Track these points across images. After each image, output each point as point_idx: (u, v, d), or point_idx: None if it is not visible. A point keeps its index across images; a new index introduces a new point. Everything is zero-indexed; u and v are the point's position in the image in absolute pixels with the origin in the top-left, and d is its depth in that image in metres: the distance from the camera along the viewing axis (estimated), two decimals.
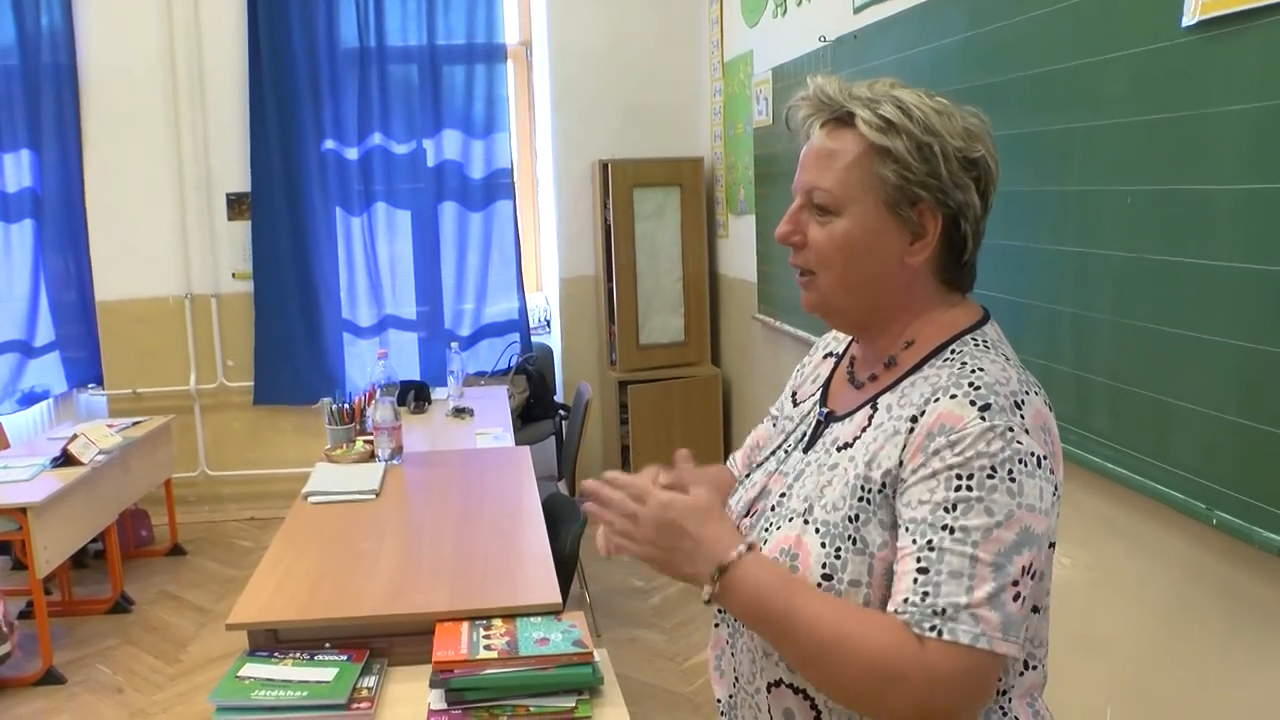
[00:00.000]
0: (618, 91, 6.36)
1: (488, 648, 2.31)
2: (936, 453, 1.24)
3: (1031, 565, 1.21)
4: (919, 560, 1.22)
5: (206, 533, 6.30)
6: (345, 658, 2.45)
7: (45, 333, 6.41)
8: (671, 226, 6.13)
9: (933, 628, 1.18)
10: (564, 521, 3.34)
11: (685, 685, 4.25)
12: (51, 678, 4.47)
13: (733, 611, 1.35)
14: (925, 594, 1.20)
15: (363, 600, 2.67)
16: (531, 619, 2.47)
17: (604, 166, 6.12)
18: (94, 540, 5.14)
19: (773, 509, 1.43)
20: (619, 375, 6.09)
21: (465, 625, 2.45)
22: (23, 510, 4.33)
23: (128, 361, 6.41)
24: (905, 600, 1.21)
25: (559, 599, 2.61)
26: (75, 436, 4.96)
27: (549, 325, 6.74)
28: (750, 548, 1.32)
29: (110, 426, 5.40)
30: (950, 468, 1.23)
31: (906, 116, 1.32)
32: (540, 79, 6.56)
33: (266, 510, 6.42)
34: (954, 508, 1.21)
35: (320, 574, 2.87)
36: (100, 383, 6.47)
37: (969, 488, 1.21)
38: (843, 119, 1.37)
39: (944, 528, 1.21)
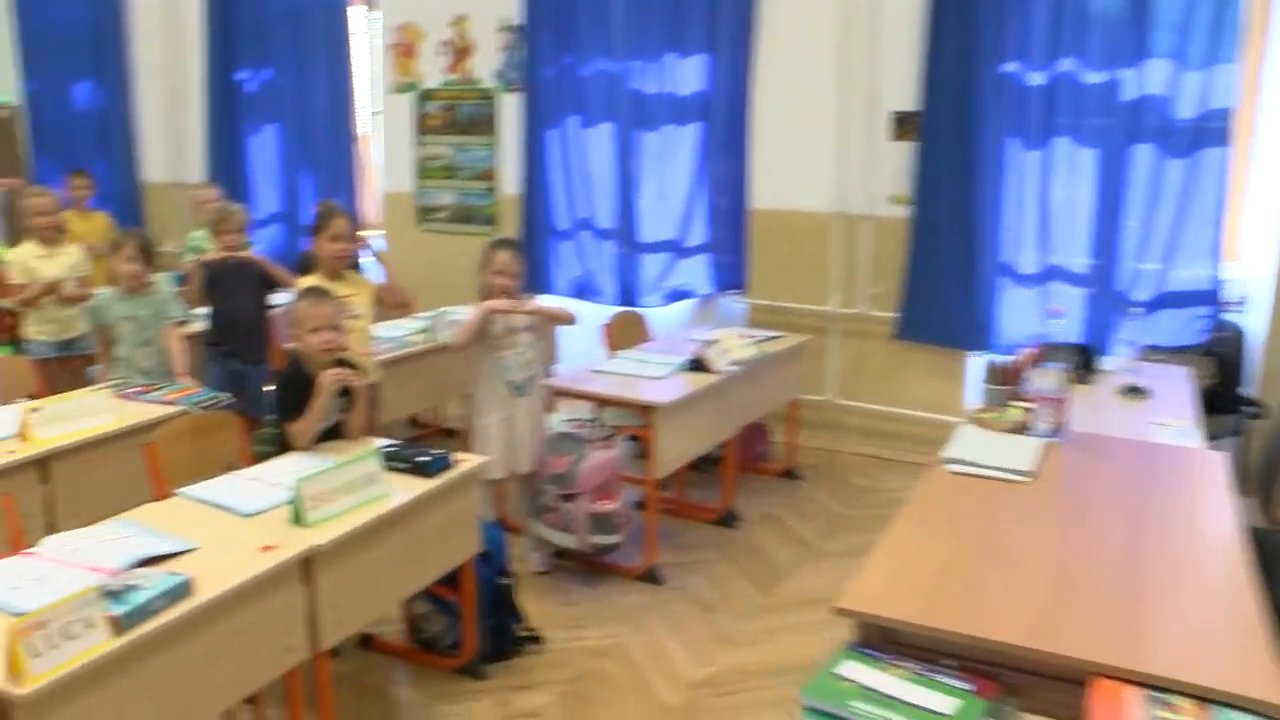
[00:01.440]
0: None
1: None
2: None
3: None
4: None
5: (823, 461, 6.06)
6: (970, 687, 1.96)
7: (698, 234, 6.48)
8: None
9: None
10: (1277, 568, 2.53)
11: None
12: (651, 577, 4.46)
13: None
14: None
15: (1000, 618, 2.12)
16: (1232, 712, 1.80)
17: None
18: None
19: None
20: None
21: (1137, 694, 1.86)
22: (651, 408, 4.29)
23: (772, 273, 6.29)
24: None
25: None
26: (713, 342, 4.86)
27: (1244, 303, 5.62)
28: None
29: (747, 337, 5.27)
30: None
31: None
32: None
33: (889, 450, 6.07)
34: None
35: (951, 568, 2.36)
36: (742, 290, 6.42)
37: None
38: None
39: None
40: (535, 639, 3.91)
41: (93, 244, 6.06)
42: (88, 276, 5.56)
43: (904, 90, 5.84)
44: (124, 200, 8.78)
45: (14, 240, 6.48)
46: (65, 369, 5.25)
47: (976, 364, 5.80)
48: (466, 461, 3.41)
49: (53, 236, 5.50)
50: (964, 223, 5.75)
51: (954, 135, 5.71)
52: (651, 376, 4.64)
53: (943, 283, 5.83)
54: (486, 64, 7.05)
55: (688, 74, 6.32)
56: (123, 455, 3.75)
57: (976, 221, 5.73)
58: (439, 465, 3.28)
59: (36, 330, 5.40)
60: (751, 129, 6.22)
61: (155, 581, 2.41)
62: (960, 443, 3.27)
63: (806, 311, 6.20)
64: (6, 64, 9.32)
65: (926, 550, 2.45)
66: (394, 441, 3.53)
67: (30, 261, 5.39)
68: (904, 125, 5.88)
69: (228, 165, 8.20)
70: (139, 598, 2.33)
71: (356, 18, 7.60)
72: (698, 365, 4.73)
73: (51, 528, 3.55)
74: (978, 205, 5.72)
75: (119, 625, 2.25)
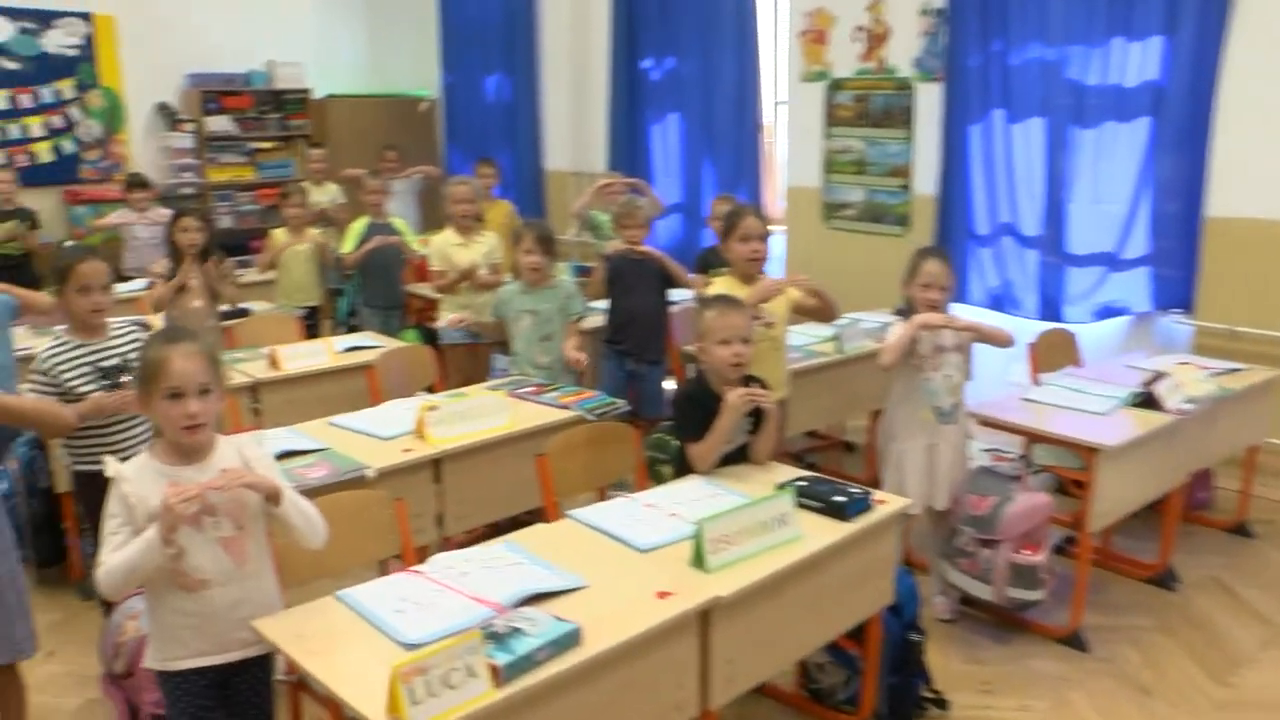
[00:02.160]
0: None
1: None
2: None
3: None
4: None
5: None
6: None
7: (1137, 245, 5.68)
8: None
9: None
10: None
11: None
12: (1075, 641, 3.87)
13: None
14: None
15: None
16: None
17: None
18: None
19: None
20: None
21: None
22: (1094, 450, 3.69)
23: (1228, 292, 5.37)
24: None
25: None
26: (1161, 375, 4.16)
27: None
28: None
29: (1203, 369, 4.50)
30: None
31: None
32: None
33: None
34: None
35: None
36: (1188, 310, 5.56)
37: None
38: None
39: None
40: (940, 703, 3.45)
41: (496, 231, 6.13)
42: (500, 264, 5.59)
43: None
44: (526, 188, 9.00)
45: (428, 225, 6.67)
46: (472, 355, 5.28)
47: None
48: (887, 503, 2.98)
49: (470, 225, 5.57)
50: None
51: None
52: (1089, 410, 4.02)
53: None
54: (904, 51, 6.54)
55: (1137, 61, 5.52)
56: (513, 459, 3.64)
57: None
58: (858, 508, 2.88)
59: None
60: (1215, 124, 5.32)
61: (542, 628, 2.18)
62: None
63: (1271, 339, 5.25)
64: (431, 59, 9.80)
65: None
66: (805, 475, 3.14)
67: (448, 249, 5.49)
68: None
69: (629, 154, 8.18)
70: (523, 646, 2.11)
71: (764, 3, 7.33)
72: (1146, 400, 4.06)
73: (439, 522, 3.53)
74: None
75: (500, 676, 2.04)
